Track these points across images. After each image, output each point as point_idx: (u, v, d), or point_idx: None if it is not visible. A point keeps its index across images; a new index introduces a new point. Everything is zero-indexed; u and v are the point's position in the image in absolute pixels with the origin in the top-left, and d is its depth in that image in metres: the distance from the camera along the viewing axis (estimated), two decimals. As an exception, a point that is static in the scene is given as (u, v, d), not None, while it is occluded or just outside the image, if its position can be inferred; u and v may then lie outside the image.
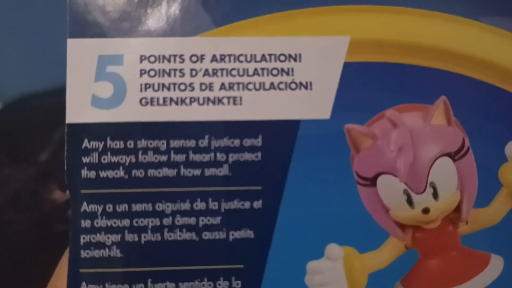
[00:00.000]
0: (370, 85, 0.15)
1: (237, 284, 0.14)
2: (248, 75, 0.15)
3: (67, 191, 0.14)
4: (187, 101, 0.15)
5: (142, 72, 0.15)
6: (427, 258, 0.14)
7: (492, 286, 0.14)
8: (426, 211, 0.14)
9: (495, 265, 0.14)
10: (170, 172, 0.14)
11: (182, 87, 0.15)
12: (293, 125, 0.15)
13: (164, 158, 0.14)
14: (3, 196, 0.33)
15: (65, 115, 0.14)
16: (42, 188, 0.33)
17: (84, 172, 0.14)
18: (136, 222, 0.14)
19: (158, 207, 0.14)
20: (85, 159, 0.14)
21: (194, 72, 0.15)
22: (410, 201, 0.14)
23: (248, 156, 0.14)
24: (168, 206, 0.14)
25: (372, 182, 0.14)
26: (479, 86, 0.15)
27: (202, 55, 0.15)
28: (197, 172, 0.14)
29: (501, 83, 0.15)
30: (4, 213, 0.32)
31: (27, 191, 0.33)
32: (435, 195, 0.14)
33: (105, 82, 0.14)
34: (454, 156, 0.14)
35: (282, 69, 0.15)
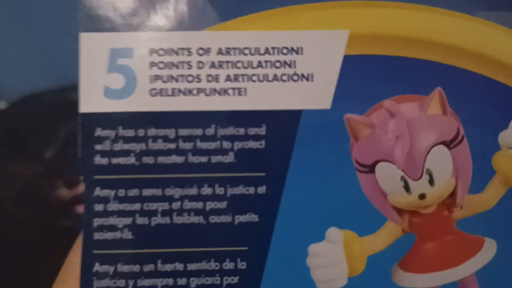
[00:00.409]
0: (368, 76, 0.15)
1: (242, 265, 0.15)
2: (252, 67, 0.15)
3: (81, 177, 0.15)
4: (195, 92, 0.15)
5: (152, 65, 0.15)
6: (423, 241, 0.15)
7: (486, 268, 0.15)
8: (422, 196, 0.15)
9: (489, 248, 0.15)
10: (178, 159, 0.15)
11: (190, 78, 0.15)
12: (295, 114, 0.15)
13: (172, 145, 0.15)
14: (9, 193, 0.33)
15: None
16: (47, 185, 0.34)
17: (97, 159, 0.15)
18: (147, 206, 0.15)
19: (167, 192, 0.15)
20: (98, 147, 0.15)
21: (201, 65, 0.15)
22: (407, 187, 0.15)
23: (252, 144, 0.15)
24: (176, 191, 0.15)
25: (370, 169, 0.15)
26: (474, 77, 0.16)
27: (208, 48, 0.15)
28: (204, 159, 0.15)
29: (494, 74, 0.16)
30: (9, 209, 0.33)
31: (33, 188, 0.34)
32: (431, 181, 0.15)
33: (116, 74, 0.15)
34: (449, 144, 0.15)
35: (285, 62, 0.15)
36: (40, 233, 0.33)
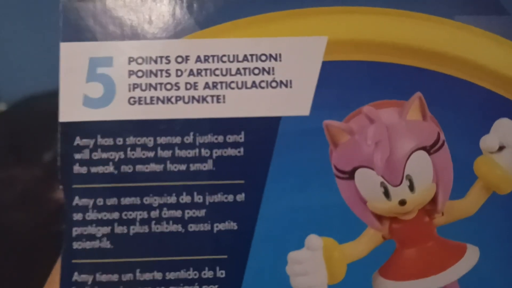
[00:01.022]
0: (347, 82, 0.15)
1: (221, 274, 0.15)
2: (231, 75, 0.15)
3: (60, 186, 0.15)
4: (173, 100, 0.15)
5: (131, 73, 0.15)
6: (404, 248, 0.15)
7: (468, 275, 0.15)
8: (402, 203, 0.15)
9: (471, 255, 0.15)
10: (157, 167, 0.15)
11: (168, 86, 0.15)
12: (274, 121, 0.15)
13: (151, 154, 0.15)
14: (9, 196, 0.34)
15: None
16: (46, 188, 0.34)
17: (76, 168, 0.15)
18: (125, 215, 0.15)
19: (146, 200, 0.15)
20: (77, 156, 0.15)
21: (179, 73, 0.15)
22: (387, 194, 0.15)
23: (231, 152, 0.15)
24: (155, 200, 0.15)
25: (350, 175, 0.15)
26: (453, 82, 0.15)
27: (187, 56, 0.15)
28: (183, 167, 0.15)
29: (475, 79, 0.15)
30: (9, 213, 0.33)
31: (32, 191, 0.34)
32: (411, 187, 0.15)
33: (96, 83, 0.15)
34: (429, 149, 0.15)
35: (263, 69, 0.15)
36: (39, 236, 0.33)
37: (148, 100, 0.15)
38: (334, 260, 0.15)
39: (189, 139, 0.15)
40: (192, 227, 0.15)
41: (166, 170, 0.15)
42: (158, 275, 0.15)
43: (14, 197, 0.33)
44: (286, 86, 0.15)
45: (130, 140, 0.15)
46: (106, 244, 0.15)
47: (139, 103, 0.15)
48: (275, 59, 0.15)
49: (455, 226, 0.15)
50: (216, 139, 0.15)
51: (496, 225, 0.15)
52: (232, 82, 0.15)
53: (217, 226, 0.15)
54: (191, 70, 0.15)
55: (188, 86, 0.15)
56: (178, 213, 0.15)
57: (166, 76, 0.15)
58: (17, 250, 0.32)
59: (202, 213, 0.15)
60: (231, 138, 0.15)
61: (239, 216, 0.15)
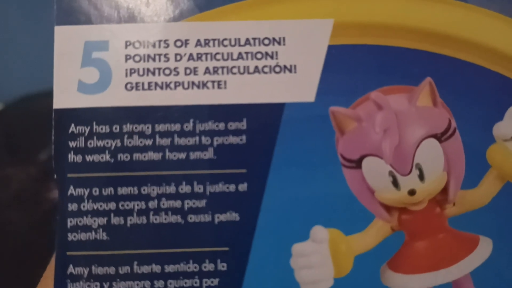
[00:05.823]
0: (354, 67, 0.15)
1: (223, 267, 0.14)
2: (232, 59, 0.15)
3: (55, 176, 0.14)
4: (172, 85, 0.15)
5: (127, 58, 0.15)
6: (413, 240, 0.14)
7: (481, 269, 0.14)
8: (412, 192, 0.14)
9: (484, 247, 0.14)
10: (155, 156, 0.14)
11: (167, 71, 0.15)
12: (278, 108, 0.15)
13: (149, 142, 0.14)
14: (4, 195, 0.33)
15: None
16: (42, 187, 0.33)
17: (71, 156, 0.14)
18: (122, 205, 0.14)
19: (144, 190, 0.14)
20: (72, 144, 0.14)
21: (178, 57, 0.15)
22: (395, 183, 0.14)
23: (233, 140, 0.14)
24: (153, 190, 0.14)
25: (357, 164, 0.14)
26: (465, 67, 0.15)
27: (186, 40, 0.15)
28: (182, 155, 0.14)
29: (487, 63, 0.15)
30: (5, 212, 0.33)
31: (28, 190, 0.33)
32: (421, 176, 0.14)
33: (91, 68, 0.15)
34: (440, 137, 0.14)
35: (266, 53, 0.15)
36: (35, 235, 0.32)
37: (145, 86, 0.15)
38: (341, 252, 0.14)
39: (188, 126, 0.14)
40: (192, 218, 0.14)
41: (165, 159, 0.14)
42: (156, 268, 0.14)
43: (9, 196, 0.33)
44: (290, 71, 0.15)
45: (127, 127, 0.14)
46: (102, 235, 0.14)
47: (136, 89, 0.15)
48: (279, 43, 0.15)
49: (467, 217, 0.14)
50: (217, 126, 0.14)
51: (510, 216, 0.14)
52: (234, 67, 0.15)
53: (218, 217, 0.14)
54: (191, 55, 0.15)
55: (188, 71, 0.15)
56: (177, 204, 0.14)
57: (165, 61, 0.15)
58: (12, 249, 0.32)
59: (202, 203, 0.14)
60: (232, 126, 0.14)
61: (241, 207, 0.14)
